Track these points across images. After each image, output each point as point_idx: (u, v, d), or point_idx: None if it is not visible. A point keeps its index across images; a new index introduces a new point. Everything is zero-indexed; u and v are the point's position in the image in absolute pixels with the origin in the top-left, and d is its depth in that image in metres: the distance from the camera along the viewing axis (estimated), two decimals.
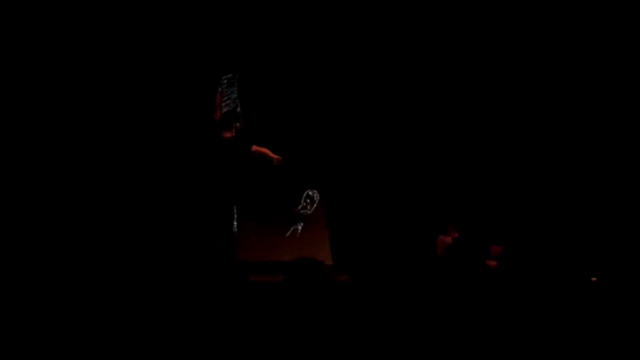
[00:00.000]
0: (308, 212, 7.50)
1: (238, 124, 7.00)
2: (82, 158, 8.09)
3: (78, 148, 8.09)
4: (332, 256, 8.22)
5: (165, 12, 8.17)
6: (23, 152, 7.98)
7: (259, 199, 7.71)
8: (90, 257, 7.09)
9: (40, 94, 8.04)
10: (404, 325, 3.09)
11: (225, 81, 7.65)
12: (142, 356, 3.04)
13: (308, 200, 7.62)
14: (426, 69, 8.24)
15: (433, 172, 8.19)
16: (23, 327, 3.25)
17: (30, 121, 8.00)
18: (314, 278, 3.17)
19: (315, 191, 7.74)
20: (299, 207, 7.59)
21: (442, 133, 8.23)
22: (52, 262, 6.40)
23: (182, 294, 3.37)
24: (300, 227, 7.39)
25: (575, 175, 7.88)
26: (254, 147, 7.00)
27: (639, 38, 7.65)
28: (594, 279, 4.06)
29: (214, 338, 3.01)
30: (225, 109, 7.36)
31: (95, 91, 8.17)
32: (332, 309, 3.09)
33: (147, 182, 8.25)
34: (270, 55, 8.41)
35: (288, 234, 7.45)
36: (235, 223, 7.23)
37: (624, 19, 7.65)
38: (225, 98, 7.52)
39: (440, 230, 7.26)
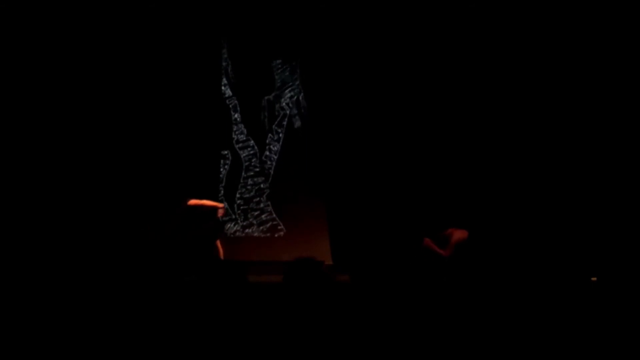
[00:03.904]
0: (300, 121, 7.50)
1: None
2: (81, 158, 8.09)
3: (77, 148, 8.08)
4: (332, 256, 8.22)
5: (162, 11, 8.15)
6: (22, 152, 7.98)
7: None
8: (89, 257, 7.09)
9: (39, 94, 8.04)
10: (405, 325, 3.09)
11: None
12: (142, 356, 3.04)
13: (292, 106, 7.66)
14: (426, 68, 8.23)
15: (433, 172, 8.19)
16: (23, 327, 3.25)
17: (29, 121, 8.01)
18: (313, 278, 3.17)
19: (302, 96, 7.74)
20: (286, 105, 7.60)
21: (442, 133, 8.23)
22: (52, 262, 6.41)
23: (182, 294, 3.37)
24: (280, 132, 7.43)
25: (575, 175, 7.87)
26: (192, 201, 6.70)
27: (639, 38, 7.65)
28: (594, 279, 4.05)
29: (214, 338, 3.01)
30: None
31: (93, 91, 8.16)
32: (332, 309, 3.09)
33: (146, 181, 8.24)
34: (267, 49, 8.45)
35: (281, 136, 7.49)
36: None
37: (624, 19, 7.65)
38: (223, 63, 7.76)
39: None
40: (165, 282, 3.61)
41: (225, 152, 7.80)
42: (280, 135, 7.74)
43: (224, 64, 7.95)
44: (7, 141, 7.98)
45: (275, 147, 7.76)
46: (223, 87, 7.95)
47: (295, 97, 7.79)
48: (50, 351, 3.11)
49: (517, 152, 8.09)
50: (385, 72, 8.25)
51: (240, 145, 7.82)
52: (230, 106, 7.83)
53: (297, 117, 7.77)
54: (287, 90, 7.84)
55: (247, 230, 7.76)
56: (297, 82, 7.76)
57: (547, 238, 7.70)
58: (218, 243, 7.07)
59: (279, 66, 7.83)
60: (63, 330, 3.22)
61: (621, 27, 7.67)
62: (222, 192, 7.88)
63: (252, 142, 7.76)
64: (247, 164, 7.79)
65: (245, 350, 2.94)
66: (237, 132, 7.85)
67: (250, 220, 7.86)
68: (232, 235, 7.77)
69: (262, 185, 7.82)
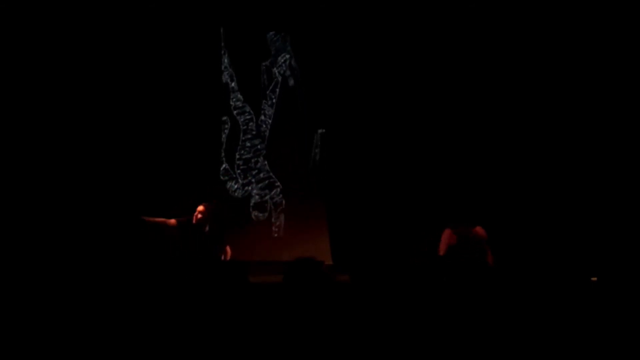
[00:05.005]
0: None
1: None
2: (80, 158, 8.11)
3: (75, 148, 8.11)
4: (332, 256, 8.22)
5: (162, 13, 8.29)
6: (22, 152, 7.99)
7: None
8: (91, 259, 7.10)
9: (39, 92, 8.06)
10: (404, 325, 3.09)
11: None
12: (143, 356, 3.04)
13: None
14: (426, 69, 8.23)
15: (433, 172, 8.18)
16: (23, 327, 3.25)
17: (29, 121, 8.02)
18: (314, 278, 3.17)
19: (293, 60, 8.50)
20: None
21: (442, 132, 8.22)
22: (51, 263, 6.41)
23: (183, 294, 3.38)
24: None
25: (574, 175, 7.87)
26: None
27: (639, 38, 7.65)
28: (594, 279, 4.06)
29: (214, 338, 3.01)
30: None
31: (92, 91, 8.19)
32: (332, 309, 3.09)
33: (145, 181, 8.27)
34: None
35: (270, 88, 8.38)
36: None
37: (624, 19, 7.65)
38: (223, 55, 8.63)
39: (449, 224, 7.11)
40: (165, 282, 3.61)
41: (225, 117, 8.59)
42: (274, 100, 8.54)
43: (222, 52, 8.60)
44: (7, 140, 8.00)
45: (270, 112, 8.53)
46: (223, 68, 8.62)
47: (288, 61, 8.55)
48: (50, 351, 3.11)
49: (517, 154, 8.09)
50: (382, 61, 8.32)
51: (238, 111, 8.63)
52: (227, 77, 8.59)
53: (290, 77, 8.55)
54: (280, 57, 8.58)
55: (246, 188, 8.49)
56: (289, 49, 8.52)
57: (548, 238, 7.71)
58: (228, 248, 7.17)
59: (273, 37, 8.59)
60: (63, 329, 3.22)
61: (621, 27, 7.68)
62: (224, 154, 8.61)
63: (248, 107, 8.59)
64: (244, 127, 8.64)
65: (245, 350, 2.94)
66: (234, 100, 8.63)
67: (249, 178, 8.57)
68: (235, 194, 8.49)
69: (259, 147, 8.62)
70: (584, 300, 3.54)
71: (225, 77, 8.64)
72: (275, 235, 8.59)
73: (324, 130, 8.38)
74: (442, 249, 6.64)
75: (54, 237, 7.57)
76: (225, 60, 8.61)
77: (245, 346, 2.96)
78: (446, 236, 6.87)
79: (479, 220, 6.99)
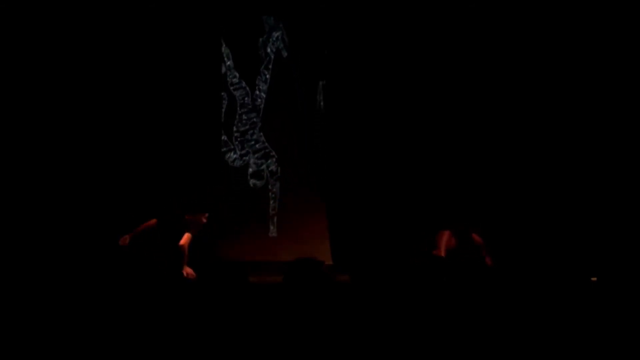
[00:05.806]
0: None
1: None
2: (79, 158, 8.11)
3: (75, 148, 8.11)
4: (332, 256, 8.22)
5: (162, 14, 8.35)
6: (22, 152, 7.99)
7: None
8: (89, 258, 7.10)
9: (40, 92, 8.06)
10: (405, 325, 3.09)
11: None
12: (143, 356, 3.04)
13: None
14: (426, 69, 8.23)
15: (434, 171, 8.18)
16: (23, 327, 3.26)
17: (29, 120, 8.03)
18: (314, 278, 3.17)
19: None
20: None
21: (442, 132, 8.22)
22: (51, 263, 6.41)
23: (182, 294, 3.38)
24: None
25: (574, 175, 7.87)
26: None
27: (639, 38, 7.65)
28: (594, 279, 4.06)
29: (214, 338, 3.01)
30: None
31: (92, 91, 8.20)
32: (332, 309, 3.09)
33: (145, 181, 8.28)
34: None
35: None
36: None
37: (624, 19, 7.65)
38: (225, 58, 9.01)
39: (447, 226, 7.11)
40: (166, 282, 3.61)
41: (223, 93, 8.99)
42: (267, 76, 9.01)
43: (222, 48, 8.88)
44: (7, 140, 8.01)
45: (264, 87, 9.01)
46: (222, 49, 8.91)
47: (281, 36, 9.00)
48: (51, 351, 3.12)
49: (517, 154, 8.09)
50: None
51: (235, 87, 9.07)
52: (225, 57, 8.94)
53: (284, 50, 8.95)
54: (273, 34, 8.99)
55: (244, 158, 8.92)
56: (280, 25, 8.94)
57: (548, 238, 7.71)
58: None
59: (267, 17, 8.97)
60: (63, 329, 3.22)
61: (621, 27, 7.68)
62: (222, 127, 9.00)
63: (244, 83, 9.05)
64: (241, 102, 9.06)
65: (245, 350, 2.94)
66: (231, 77, 9.05)
67: (247, 149, 8.95)
68: (233, 164, 8.86)
69: (254, 119, 9.05)
70: (584, 300, 3.54)
71: (224, 68, 8.93)
72: (273, 220, 8.68)
73: (325, 82, 8.69)
74: (442, 251, 6.64)
75: (47, 224, 7.62)
76: (223, 47, 8.89)
77: (245, 346, 2.96)
78: (445, 238, 6.87)
79: (479, 220, 6.99)
